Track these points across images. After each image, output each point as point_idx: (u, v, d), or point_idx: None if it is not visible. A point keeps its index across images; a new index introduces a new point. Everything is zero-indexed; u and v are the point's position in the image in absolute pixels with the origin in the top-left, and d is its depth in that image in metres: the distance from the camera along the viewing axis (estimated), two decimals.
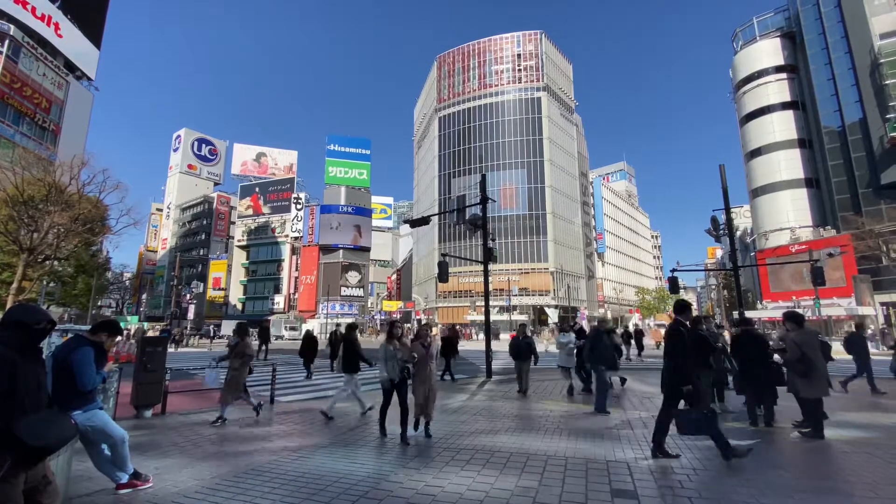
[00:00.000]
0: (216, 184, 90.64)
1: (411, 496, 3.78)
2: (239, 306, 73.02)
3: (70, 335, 5.14)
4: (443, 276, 13.81)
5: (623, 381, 10.72)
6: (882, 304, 34.73)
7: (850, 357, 10.07)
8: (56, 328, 2.75)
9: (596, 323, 8.80)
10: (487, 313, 13.81)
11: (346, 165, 76.07)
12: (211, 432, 6.22)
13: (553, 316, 52.56)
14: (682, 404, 4.96)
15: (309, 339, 13.73)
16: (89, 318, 40.26)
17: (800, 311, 7.62)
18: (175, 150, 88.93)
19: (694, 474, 4.33)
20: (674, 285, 18.38)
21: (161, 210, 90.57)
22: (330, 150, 76.03)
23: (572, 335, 10.00)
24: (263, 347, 19.25)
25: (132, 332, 25.83)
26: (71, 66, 44.27)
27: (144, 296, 79.96)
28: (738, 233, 51.01)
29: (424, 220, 15.23)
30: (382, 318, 70.55)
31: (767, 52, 47.15)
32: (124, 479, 3.87)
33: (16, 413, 2.06)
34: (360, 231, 71.83)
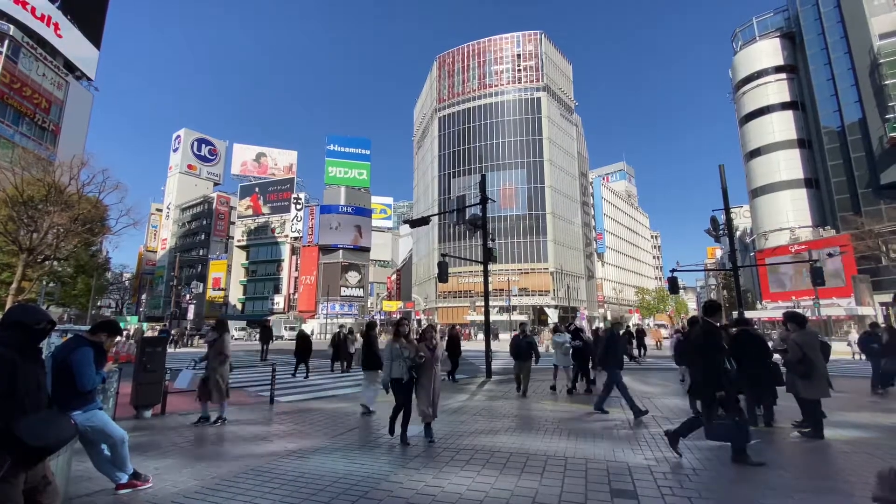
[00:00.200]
0: (216, 184, 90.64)
1: (411, 496, 3.78)
2: (239, 306, 73.01)
3: (69, 335, 5.14)
4: (443, 276, 13.82)
5: (572, 391, 10.70)
6: (881, 304, 34.73)
7: (851, 357, 10.05)
8: (56, 328, 2.75)
9: (609, 323, 8.65)
10: (487, 313, 13.81)
11: (345, 165, 76.10)
12: (210, 432, 6.21)
13: (553, 316, 52.56)
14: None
15: (302, 338, 13.70)
16: (89, 319, 40.24)
17: (800, 311, 7.59)
18: (175, 151, 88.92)
19: (694, 474, 4.33)
20: (673, 285, 18.40)
21: (161, 210, 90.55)
22: (330, 150, 76.08)
23: (567, 335, 10.15)
24: (265, 347, 19.24)
25: (131, 332, 25.83)
26: (70, 67, 44.27)
27: (144, 296, 79.91)
28: (738, 233, 51.04)
29: (424, 221, 15.23)
30: (382, 318, 70.57)
31: (767, 52, 47.18)
32: (124, 479, 3.87)
33: (16, 413, 2.06)
34: (360, 231, 71.86)
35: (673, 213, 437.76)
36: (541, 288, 58.50)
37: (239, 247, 75.92)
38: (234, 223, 79.64)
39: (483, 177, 15.00)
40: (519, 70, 66.30)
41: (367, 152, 78.33)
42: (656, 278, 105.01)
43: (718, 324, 5.07)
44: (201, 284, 69.59)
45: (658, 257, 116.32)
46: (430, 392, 5.62)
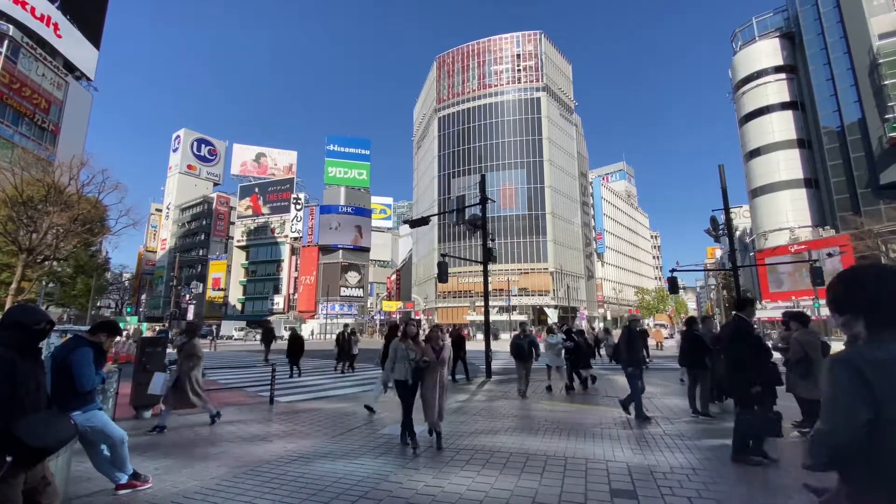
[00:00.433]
0: (216, 184, 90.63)
1: (411, 496, 3.78)
2: (238, 307, 72.99)
3: (69, 336, 5.13)
4: (442, 276, 13.82)
5: (594, 379, 10.86)
6: None
7: None
8: (55, 329, 2.75)
9: (627, 321, 8.39)
10: (487, 313, 13.81)
11: (345, 166, 76.08)
12: (210, 432, 6.21)
13: (553, 316, 52.56)
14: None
15: (294, 339, 13.92)
16: (88, 319, 40.21)
17: (801, 311, 7.58)
18: (174, 151, 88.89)
19: (694, 474, 4.33)
20: (673, 285, 18.42)
21: (160, 210, 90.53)
22: (329, 150, 76.07)
23: (559, 336, 10.27)
24: (267, 348, 19.22)
25: (131, 332, 25.81)
26: (70, 67, 44.26)
27: (144, 296, 79.89)
28: (738, 233, 51.03)
29: (424, 221, 15.24)
30: (382, 318, 70.53)
31: (766, 52, 47.17)
32: (124, 479, 3.87)
33: (15, 413, 2.06)
34: (360, 231, 71.85)
35: (673, 213, 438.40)
36: (540, 288, 58.50)
37: (239, 247, 75.89)
38: (233, 223, 79.63)
39: (483, 177, 15.00)
40: (519, 70, 66.30)
41: (367, 152, 78.33)
42: (656, 278, 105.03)
43: (749, 318, 4.96)
44: (201, 285, 69.56)
45: (658, 257, 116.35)
46: (436, 395, 5.41)
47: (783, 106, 45.47)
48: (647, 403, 8.26)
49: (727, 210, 15.22)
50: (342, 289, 68.60)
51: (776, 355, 6.68)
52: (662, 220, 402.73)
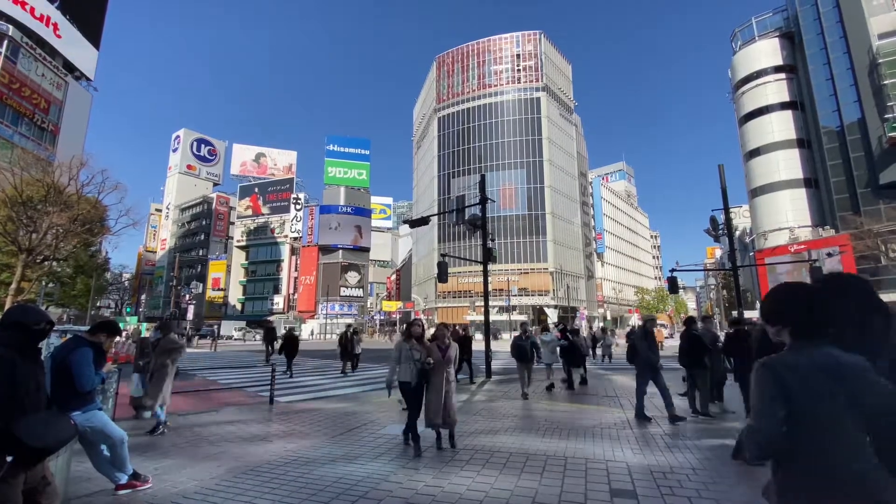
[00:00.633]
0: (215, 184, 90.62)
1: (411, 496, 3.78)
2: (238, 307, 73.00)
3: (69, 336, 5.13)
4: (442, 276, 13.82)
5: (583, 380, 10.91)
6: None
7: None
8: (55, 329, 2.75)
9: (641, 321, 8.18)
10: (487, 313, 13.81)
11: (345, 166, 76.07)
12: (210, 433, 6.21)
13: (553, 316, 52.58)
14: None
15: (289, 339, 14.19)
16: (88, 319, 40.20)
17: None
18: (174, 151, 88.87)
19: (693, 474, 4.33)
20: (673, 285, 18.40)
21: (160, 210, 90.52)
22: (329, 150, 76.06)
23: (552, 335, 10.68)
24: (269, 349, 19.21)
25: (130, 332, 25.79)
26: (70, 67, 44.23)
27: (143, 296, 79.88)
28: (737, 233, 51.07)
29: (424, 221, 15.24)
30: (381, 318, 70.52)
31: (766, 52, 47.16)
32: (123, 479, 3.87)
33: (15, 414, 2.06)
34: (360, 231, 71.85)
35: (672, 213, 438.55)
36: (540, 288, 58.51)
37: (238, 247, 75.88)
38: (233, 223, 79.63)
39: (483, 177, 15.00)
40: (518, 70, 66.29)
41: (367, 152, 78.33)
42: (656, 278, 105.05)
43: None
44: (201, 285, 69.49)
45: (658, 257, 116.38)
46: (441, 397, 5.22)
47: (783, 106, 45.46)
48: (647, 403, 8.26)
49: (727, 210, 15.23)
50: (342, 289, 68.60)
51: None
52: (662, 220, 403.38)
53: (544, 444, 5.45)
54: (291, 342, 14.07)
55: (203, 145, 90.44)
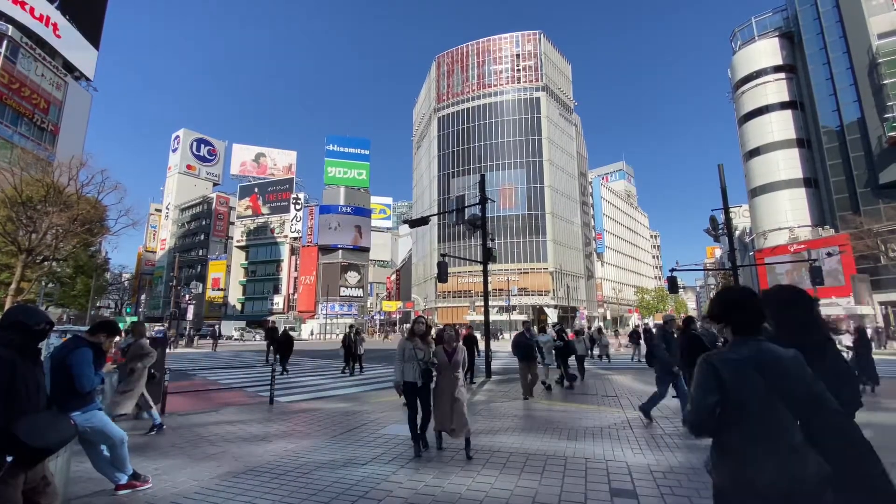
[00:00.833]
0: (215, 184, 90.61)
1: (411, 496, 3.78)
2: (238, 307, 73.00)
3: (69, 336, 5.13)
4: (442, 276, 13.81)
5: (575, 378, 11.09)
6: (881, 303, 34.78)
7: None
8: (55, 329, 2.75)
9: (663, 320, 7.78)
10: (487, 313, 13.80)
11: (345, 166, 76.06)
12: (210, 433, 6.21)
13: (552, 316, 52.59)
14: None
15: (285, 338, 14.72)
16: (88, 319, 40.18)
17: None
18: (174, 151, 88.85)
19: (693, 474, 4.33)
20: (673, 285, 18.42)
21: (160, 210, 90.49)
22: (329, 150, 76.04)
23: (548, 335, 10.87)
24: (271, 349, 19.12)
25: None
26: (69, 67, 44.19)
27: (143, 296, 79.89)
28: (737, 232, 51.07)
29: (424, 221, 15.23)
30: (381, 318, 70.56)
31: (766, 52, 47.17)
32: (123, 479, 3.87)
33: (15, 414, 2.06)
34: (360, 231, 71.82)
35: (672, 213, 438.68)
36: (540, 288, 58.52)
37: (238, 247, 75.87)
38: (233, 223, 79.62)
39: (482, 177, 15.01)
40: (518, 70, 66.29)
41: (367, 152, 78.31)
42: (656, 278, 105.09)
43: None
44: (200, 285, 69.51)
45: (657, 257, 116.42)
46: (449, 402, 5.04)
47: (782, 105, 45.46)
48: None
49: (727, 210, 15.23)
50: (342, 289, 68.58)
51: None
52: (662, 220, 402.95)
53: (544, 444, 5.45)
54: (287, 342, 14.60)
55: (203, 145, 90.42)
